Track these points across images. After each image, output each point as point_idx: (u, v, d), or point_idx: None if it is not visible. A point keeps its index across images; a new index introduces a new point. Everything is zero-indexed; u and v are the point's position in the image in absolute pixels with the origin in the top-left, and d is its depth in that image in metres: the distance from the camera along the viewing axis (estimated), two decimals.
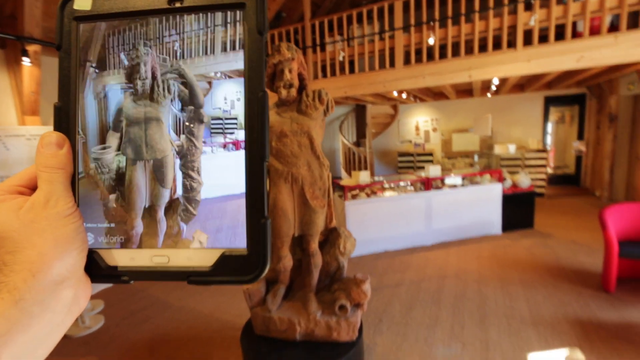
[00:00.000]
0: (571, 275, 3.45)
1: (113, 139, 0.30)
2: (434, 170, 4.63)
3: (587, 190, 7.24)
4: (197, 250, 0.28)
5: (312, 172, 1.87)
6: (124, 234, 0.29)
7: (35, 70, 3.69)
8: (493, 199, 4.73)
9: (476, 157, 6.74)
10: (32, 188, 0.26)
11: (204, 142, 0.30)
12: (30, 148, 3.51)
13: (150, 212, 0.30)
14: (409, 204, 4.47)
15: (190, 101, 0.30)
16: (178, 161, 0.30)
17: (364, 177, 4.45)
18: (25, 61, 3.54)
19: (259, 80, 0.27)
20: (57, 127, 0.28)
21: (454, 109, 8.01)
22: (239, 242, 0.27)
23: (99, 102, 0.30)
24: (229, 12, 0.28)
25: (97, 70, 0.30)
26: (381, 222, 4.38)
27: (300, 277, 2.21)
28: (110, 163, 0.30)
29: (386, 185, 4.75)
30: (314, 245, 1.99)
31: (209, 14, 0.28)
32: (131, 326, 2.98)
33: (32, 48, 3.57)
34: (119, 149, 0.30)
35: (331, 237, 2.12)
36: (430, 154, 7.97)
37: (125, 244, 0.29)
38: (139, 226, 0.30)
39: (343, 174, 7.44)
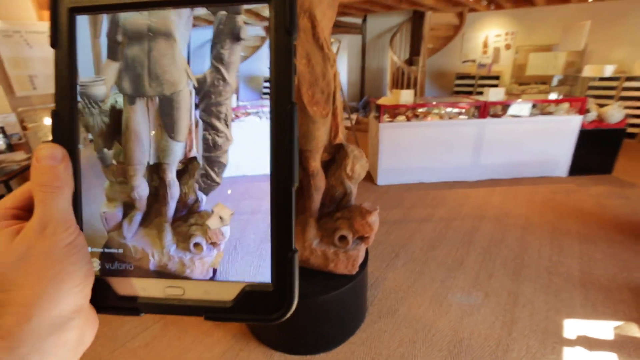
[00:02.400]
0: None
1: (109, 70, 0.23)
2: (494, 94, 3.79)
3: None
4: (216, 283, 0.25)
5: (313, 68, 1.41)
6: (130, 213, 0.25)
7: None
8: (565, 134, 3.86)
9: (555, 81, 5.44)
10: (30, 210, 0.22)
11: (249, 109, 0.27)
12: None
13: (157, 172, 0.24)
14: (456, 132, 3.81)
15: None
16: (196, 103, 0.23)
17: (405, 96, 3.79)
18: None
19: (287, 90, 0.22)
20: (56, 137, 0.23)
21: (538, 19, 6.36)
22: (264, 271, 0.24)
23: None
24: (252, 6, 0.23)
25: None
26: (419, 150, 3.84)
27: (301, 200, 1.93)
28: (101, 100, 0.23)
29: (435, 111, 4.05)
30: (314, 164, 1.63)
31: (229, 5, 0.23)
32: None
33: None
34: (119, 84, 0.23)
35: (338, 156, 1.74)
36: (497, 78, 6.70)
37: (127, 211, 0.25)
38: (140, 187, 0.24)
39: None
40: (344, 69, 8.52)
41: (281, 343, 1.83)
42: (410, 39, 7.27)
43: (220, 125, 0.23)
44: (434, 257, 2.56)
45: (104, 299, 0.24)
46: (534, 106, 3.94)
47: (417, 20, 6.90)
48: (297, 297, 0.24)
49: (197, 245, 0.25)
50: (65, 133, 0.23)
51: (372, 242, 2.84)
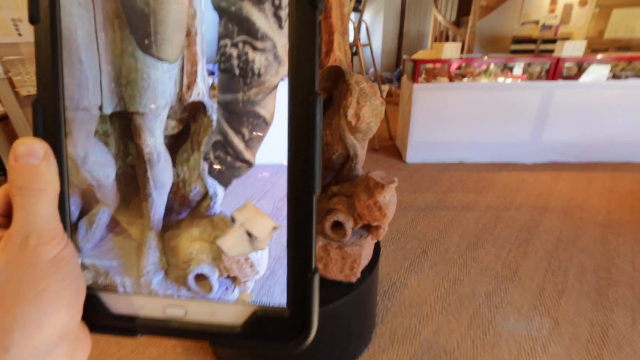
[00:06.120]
0: None
1: None
2: (571, 47, 2.86)
3: None
4: (224, 304, 0.20)
5: None
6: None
7: None
8: None
9: None
10: (9, 216, 0.18)
11: None
12: None
13: (131, 133, 0.13)
14: (514, 98, 2.95)
15: None
16: None
17: (450, 50, 2.97)
18: None
19: (309, 76, 0.18)
20: (37, 131, 0.19)
21: None
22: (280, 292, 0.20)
23: None
24: None
25: None
26: (463, 120, 3.05)
27: None
28: None
29: (483, 81, 3.17)
30: None
31: None
32: None
33: None
34: None
35: (335, 94, 1.07)
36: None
37: (88, 204, 0.19)
38: (86, 158, 0.14)
39: None
40: (378, 34, 7.59)
41: None
42: None
43: (263, 21, 0.12)
44: (477, 258, 1.87)
45: (97, 317, 0.20)
46: (622, 69, 2.96)
47: None
48: (316, 325, 0.20)
49: (200, 278, 0.16)
50: (50, 126, 0.18)
51: (390, 233, 2.19)
